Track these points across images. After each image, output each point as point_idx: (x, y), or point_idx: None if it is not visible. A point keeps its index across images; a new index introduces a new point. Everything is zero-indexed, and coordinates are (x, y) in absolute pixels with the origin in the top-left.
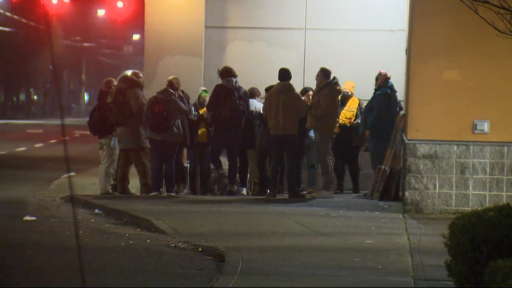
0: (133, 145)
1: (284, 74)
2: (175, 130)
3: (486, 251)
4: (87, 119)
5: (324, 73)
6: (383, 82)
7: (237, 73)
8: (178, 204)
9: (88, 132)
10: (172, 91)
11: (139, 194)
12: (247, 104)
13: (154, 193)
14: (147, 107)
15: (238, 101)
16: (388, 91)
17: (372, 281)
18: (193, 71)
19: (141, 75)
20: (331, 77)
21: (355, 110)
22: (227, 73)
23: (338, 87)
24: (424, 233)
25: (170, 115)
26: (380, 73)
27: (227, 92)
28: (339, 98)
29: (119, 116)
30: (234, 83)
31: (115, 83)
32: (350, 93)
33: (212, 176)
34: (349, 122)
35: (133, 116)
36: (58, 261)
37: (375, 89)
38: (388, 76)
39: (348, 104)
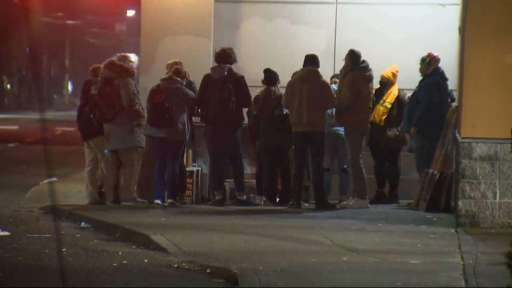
0: (125, 144)
1: (312, 60)
2: (180, 126)
3: None
4: (70, 112)
5: (350, 56)
6: (434, 68)
7: (253, 56)
8: (182, 216)
9: (72, 129)
10: (178, 78)
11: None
12: (246, 94)
13: (157, 202)
14: (148, 97)
15: (227, 94)
16: (439, 79)
17: None
18: (200, 54)
19: (132, 59)
20: (361, 61)
21: (389, 106)
22: (220, 57)
23: (366, 73)
24: (482, 252)
25: (173, 107)
26: (432, 57)
27: (212, 84)
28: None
29: (107, 111)
30: (223, 71)
31: None
32: (390, 81)
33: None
34: (380, 120)
35: (124, 110)
36: (37, 285)
37: (424, 76)
38: (438, 58)
39: (385, 96)
